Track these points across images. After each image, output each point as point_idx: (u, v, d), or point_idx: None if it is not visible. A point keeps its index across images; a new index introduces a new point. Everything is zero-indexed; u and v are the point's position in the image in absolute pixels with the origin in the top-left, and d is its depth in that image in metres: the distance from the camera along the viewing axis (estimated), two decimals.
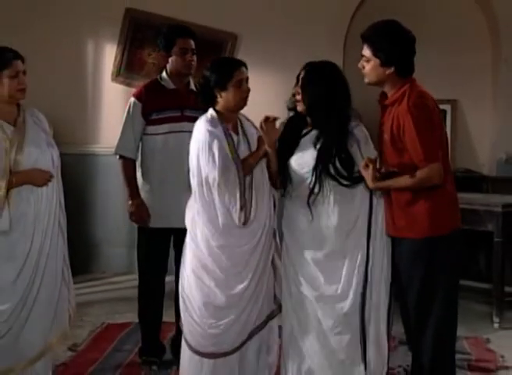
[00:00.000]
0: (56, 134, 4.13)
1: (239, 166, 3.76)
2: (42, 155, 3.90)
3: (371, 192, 3.72)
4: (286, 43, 7.01)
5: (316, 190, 3.71)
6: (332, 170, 3.70)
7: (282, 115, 3.92)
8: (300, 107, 3.80)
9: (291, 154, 3.83)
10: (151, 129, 4.63)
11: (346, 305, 3.72)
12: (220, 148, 3.75)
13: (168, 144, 4.60)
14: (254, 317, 3.89)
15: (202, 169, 3.77)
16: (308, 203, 3.74)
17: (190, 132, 3.99)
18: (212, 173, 3.73)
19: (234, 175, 3.74)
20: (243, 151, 3.89)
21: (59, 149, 4.05)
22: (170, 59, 4.67)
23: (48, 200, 3.92)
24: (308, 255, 3.77)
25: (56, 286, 3.97)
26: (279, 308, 3.95)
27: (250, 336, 3.91)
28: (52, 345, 4.03)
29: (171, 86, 4.69)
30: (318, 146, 3.75)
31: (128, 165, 4.72)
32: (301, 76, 3.78)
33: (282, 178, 3.86)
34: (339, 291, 3.73)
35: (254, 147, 3.92)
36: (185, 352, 3.97)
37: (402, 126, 3.53)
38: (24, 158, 3.82)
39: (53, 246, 3.93)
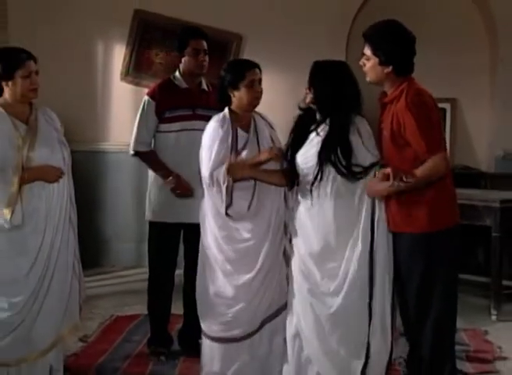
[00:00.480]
0: (67, 132, 4.20)
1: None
2: (53, 152, 3.96)
3: None
4: (290, 43, 7.07)
5: (319, 177, 3.71)
6: (333, 158, 3.69)
7: (284, 114, 3.99)
8: (308, 98, 3.83)
9: (299, 149, 3.86)
10: (164, 127, 4.71)
11: (338, 301, 3.72)
12: (218, 149, 3.89)
13: (180, 142, 4.67)
14: (266, 306, 3.97)
15: (204, 167, 3.93)
16: (311, 189, 3.74)
17: (201, 130, 4.11)
18: (207, 172, 3.89)
19: (224, 175, 3.84)
20: (251, 150, 3.98)
21: (70, 147, 4.12)
22: (183, 60, 4.75)
23: (59, 196, 3.97)
24: (307, 248, 3.81)
25: (67, 279, 4.03)
26: None
27: (263, 324, 3.99)
28: (64, 337, 4.10)
29: (183, 85, 4.76)
30: (322, 136, 3.77)
31: (148, 155, 4.77)
32: (308, 75, 3.83)
33: (289, 173, 3.88)
34: (331, 289, 3.74)
35: (265, 146, 4.01)
36: (202, 339, 4.12)
37: (402, 122, 3.55)
38: (36, 155, 3.87)
39: (64, 241, 3.99)
